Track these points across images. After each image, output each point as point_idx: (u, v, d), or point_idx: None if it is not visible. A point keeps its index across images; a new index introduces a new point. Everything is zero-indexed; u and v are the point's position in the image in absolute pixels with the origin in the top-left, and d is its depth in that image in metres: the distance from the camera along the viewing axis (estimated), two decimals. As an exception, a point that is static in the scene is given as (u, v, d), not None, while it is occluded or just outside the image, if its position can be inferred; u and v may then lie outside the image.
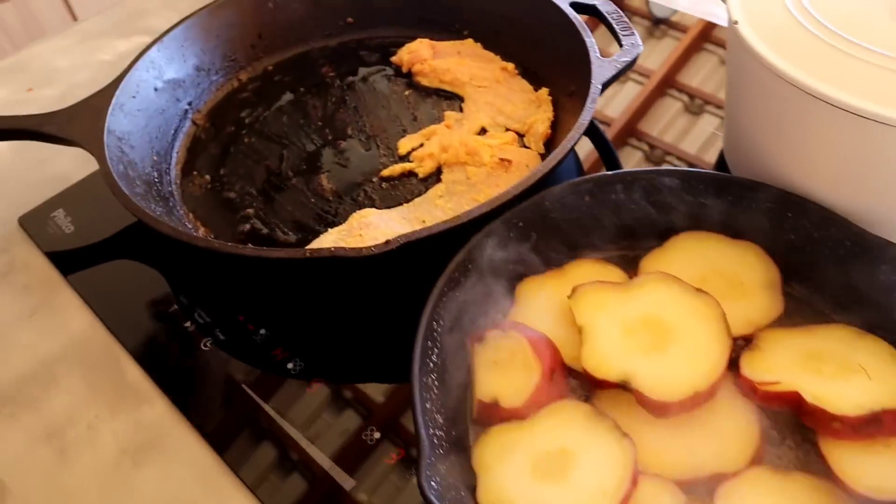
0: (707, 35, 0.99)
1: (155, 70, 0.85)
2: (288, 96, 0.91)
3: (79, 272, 0.76)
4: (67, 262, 0.77)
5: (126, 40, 1.06)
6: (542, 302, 0.64)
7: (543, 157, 0.79)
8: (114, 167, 0.71)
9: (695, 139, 0.85)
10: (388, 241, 0.60)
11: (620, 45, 0.78)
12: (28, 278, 0.77)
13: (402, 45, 0.95)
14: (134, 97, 0.81)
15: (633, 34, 0.79)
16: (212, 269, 0.73)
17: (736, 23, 0.64)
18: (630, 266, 0.67)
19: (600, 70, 0.74)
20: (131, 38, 1.06)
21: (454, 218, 0.62)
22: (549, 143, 0.80)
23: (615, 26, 0.80)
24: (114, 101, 0.78)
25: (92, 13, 1.13)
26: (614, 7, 0.82)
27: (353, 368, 0.66)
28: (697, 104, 0.90)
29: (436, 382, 0.57)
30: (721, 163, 0.80)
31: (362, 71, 0.93)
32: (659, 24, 1.04)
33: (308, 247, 0.72)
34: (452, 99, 0.88)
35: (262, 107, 0.90)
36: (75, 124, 0.76)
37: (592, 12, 0.83)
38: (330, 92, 0.91)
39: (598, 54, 0.76)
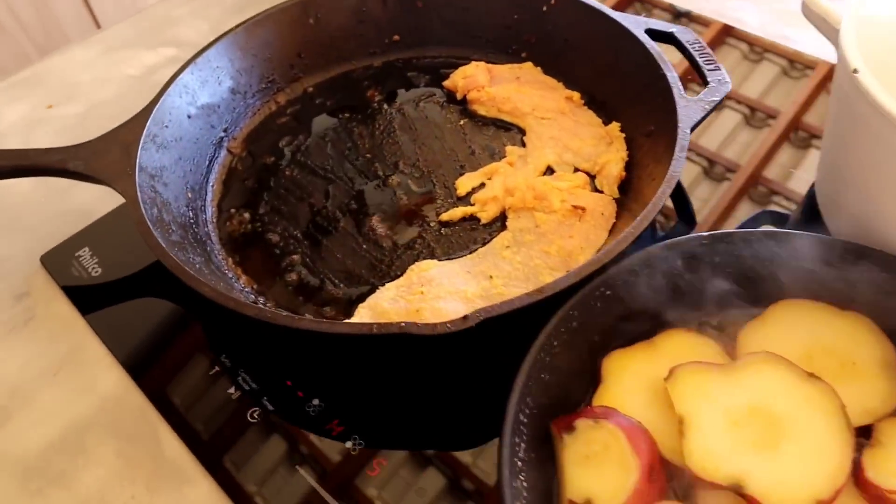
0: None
1: (188, 95, 0.77)
2: (331, 122, 0.84)
3: (107, 323, 0.69)
4: (93, 304, 0.71)
5: (152, 52, 0.99)
6: (631, 380, 0.58)
7: (618, 201, 0.72)
8: (147, 212, 0.64)
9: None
10: (465, 317, 0.54)
11: (705, 82, 0.71)
12: (52, 327, 0.70)
13: (453, 66, 0.87)
14: (166, 126, 0.74)
15: (718, 68, 0.72)
16: (254, 329, 0.66)
17: (856, 72, 0.57)
18: (725, 336, 0.61)
19: (687, 111, 0.67)
20: (158, 50, 0.99)
21: (537, 291, 0.55)
22: (624, 186, 0.73)
23: (697, 59, 0.73)
24: (145, 132, 0.71)
25: (115, 18, 1.05)
26: (695, 36, 0.75)
27: (416, 444, 0.60)
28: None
29: (524, 484, 0.50)
30: (810, 201, 0.74)
31: (411, 94, 0.86)
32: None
33: (364, 305, 0.65)
34: (511, 130, 0.81)
35: (303, 134, 0.83)
36: (103, 160, 0.69)
37: (670, 40, 0.76)
38: (377, 118, 0.83)
39: (683, 92, 0.69)
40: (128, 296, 0.72)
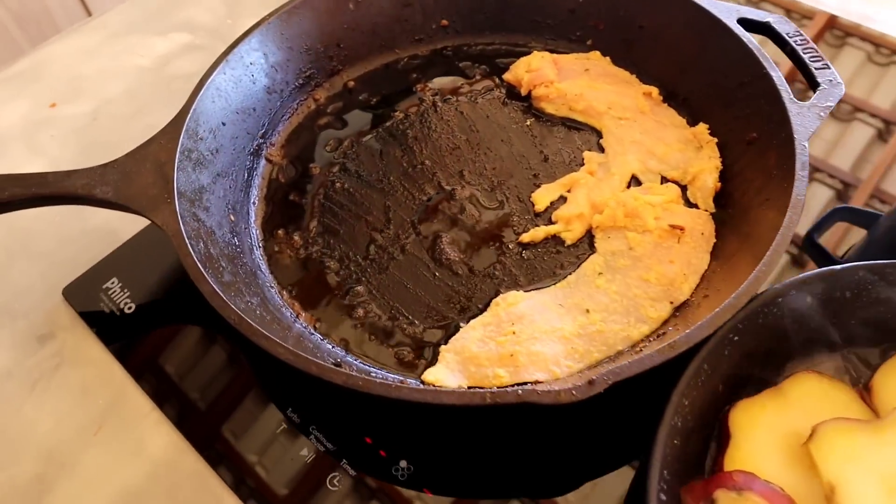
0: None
1: (221, 99, 0.68)
2: (380, 122, 0.75)
3: (150, 367, 0.61)
4: (130, 346, 0.62)
5: (163, 38, 0.88)
6: (763, 436, 0.52)
7: (715, 216, 0.65)
8: (194, 249, 0.56)
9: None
10: (591, 382, 0.47)
11: (814, 84, 0.63)
12: (85, 375, 0.62)
13: (509, 55, 0.79)
14: (201, 139, 0.65)
15: (828, 66, 0.64)
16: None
17: None
18: (856, 377, 0.55)
19: (801, 120, 0.60)
20: (169, 36, 0.88)
21: (670, 348, 0.48)
22: (720, 198, 0.66)
23: (802, 55, 0.65)
24: (179, 147, 0.62)
25: (106, 1, 0.93)
26: (795, 28, 0.67)
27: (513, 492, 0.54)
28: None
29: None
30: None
31: (467, 89, 0.77)
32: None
33: (447, 348, 0.58)
34: (583, 130, 0.73)
35: (350, 136, 0.74)
36: (136, 185, 0.60)
37: (766, 32, 0.68)
38: (431, 117, 0.75)
39: (793, 97, 0.62)
40: (164, 322, 0.64)
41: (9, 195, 0.59)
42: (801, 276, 0.54)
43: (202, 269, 0.54)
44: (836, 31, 0.85)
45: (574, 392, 0.47)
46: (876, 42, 0.84)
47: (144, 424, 0.59)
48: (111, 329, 0.64)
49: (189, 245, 0.56)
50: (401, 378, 0.56)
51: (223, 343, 0.63)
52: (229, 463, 0.56)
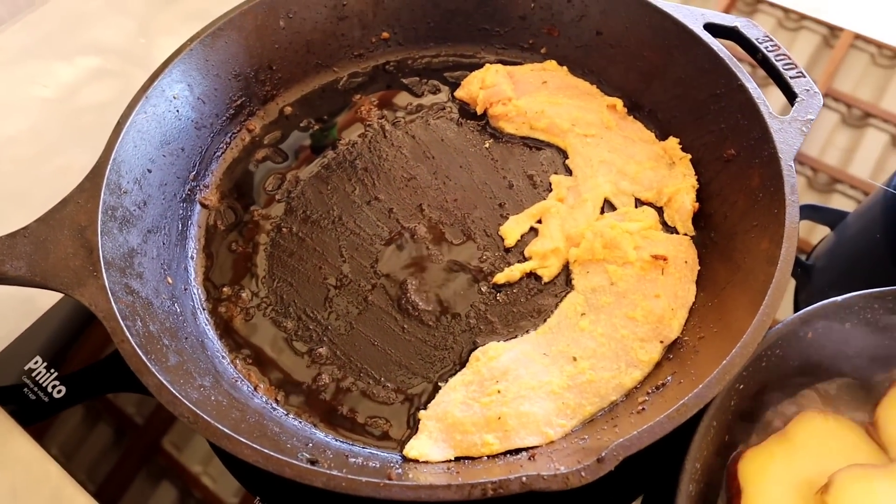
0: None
1: (144, 142, 0.60)
2: (323, 152, 0.68)
3: (92, 461, 0.54)
4: (66, 441, 0.55)
5: (67, 63, 0.78)
6: (775, 486, 0.49)
7: (695, 240, 0.61)
8: (131, 331, 0.49)
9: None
10: (601, 460, 0.43)
11: (791, 95, 0.59)
12: (14, 478, 0.54)
13: (458, 67, 0.73)
14: (125, 192, 0.57)
15: (802, 74, 0.60)
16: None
17: None
18: (858, 412, 0.52)
19: (784, 136, 0.56)
20: (74, 60, 0.78)
21: (679, 412, 0.44)
22: (699, 219, 0.62)
23: (775, 62, 0.61)
24: (101, 206, 0.54)
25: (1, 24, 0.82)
26: (763, 31, 0.63)
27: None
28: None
29: None
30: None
31: (417, 108, 0.71)
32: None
33: (427, 413, 0.52)
34: (546, 149, 0.68)
35: (292, 171, 0.67)
36: (53, 256, 0.52)
37: (733, 37, 0.64)
38: (379, 143, 0.68)
39: (772, 111, 0.58)
40: (99, 390, 0.57)
41: None
42: (802, 312, 0.51)
43: (143, 357, 0.47)
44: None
45: (584, 474, 0.42)
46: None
47: (88, 530, 0.52)
48: (40, 418, 0.56)
49: (125, 328, 0.48)
50: (381, 458, 0.51)
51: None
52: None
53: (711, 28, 0.63)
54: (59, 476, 0.54)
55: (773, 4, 0.85)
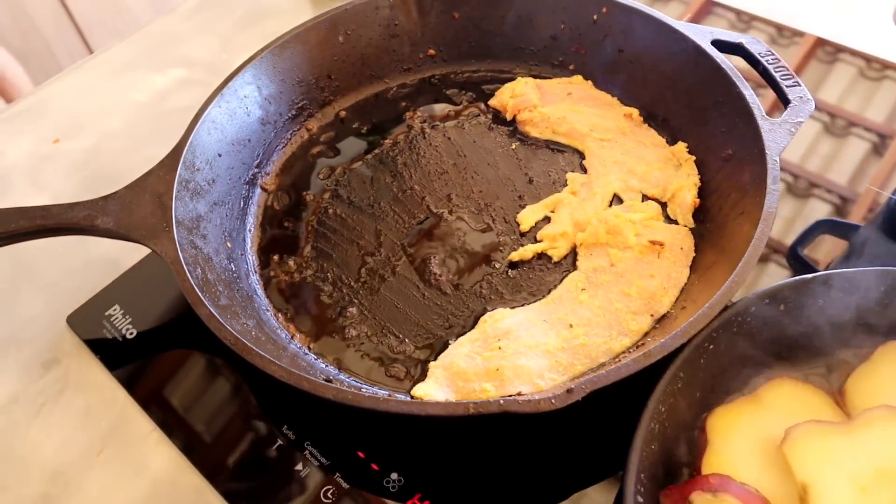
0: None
1: (217, 131, 0.71)
2: (370, 149, 0.77)
3: (151, 389, 0.64)
4: (133, 370, 0.65)
5: (160, 74, 0.91)
6: (740, 441, 0.54)
7: (694, 231, 0.67)
8: (192, 274, 0.58)
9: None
10: (570, 391, 0.49)
11: (785, 101, 0.65)
12: (88, 399, 0.64)
13: (495, 81, 0.81)
14: (198, 169, 0.68)
15: (798, 83, 0.66)
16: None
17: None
18: (832, 382, 0.57)
19: (772, 136, 0.62)
20: (166, 72, 0.91)
21: (645, 356, 0.51)
22: (699, 214, 0.68)
23: (773, 73, 0.67)
24: (177, 178, 0.65)
25: (106, 38, 0.97)
26: (766, 47, 0.69)
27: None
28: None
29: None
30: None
31: (453, 115, 0.80)
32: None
33: (436, 364, 0.60)
34: (566, 152, 0.75)
35: (342, 164, 0.76)
36: (135, 215, 0.62)
37: (739, 52, 0.70)
38: (420, 143, 0.77)
39: (764, 113, 0.64)
40: (165, 347, 0.66)
41: (15, 227, 0.62)
42: (772, 286, 0.56)
43: (199, 294, 0.57)
44: (827, 48, 0.88)
45: (553, 401, 0.49)
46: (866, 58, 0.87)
47: (146, 445, 0.61)
48: (114, 354, 0.66)
49: (187, 271, 0.58)
50: (390, 393, 0.58)
51: (227, 374, 0.65)
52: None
53: (718, 44, 0.70)
54: (125, 401, 0.63)
55: (767, 21, 0.90)
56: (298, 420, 0.60)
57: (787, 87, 0.66)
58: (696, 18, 0.93)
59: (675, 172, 0.70)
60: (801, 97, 0.65)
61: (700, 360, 0.54)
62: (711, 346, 0.54)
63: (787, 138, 0.62)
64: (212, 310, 0.55)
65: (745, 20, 0.93)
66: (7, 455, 0.61)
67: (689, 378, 0.54)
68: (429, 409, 0.50)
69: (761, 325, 0.56)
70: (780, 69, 0.68)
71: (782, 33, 0.91)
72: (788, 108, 0.64)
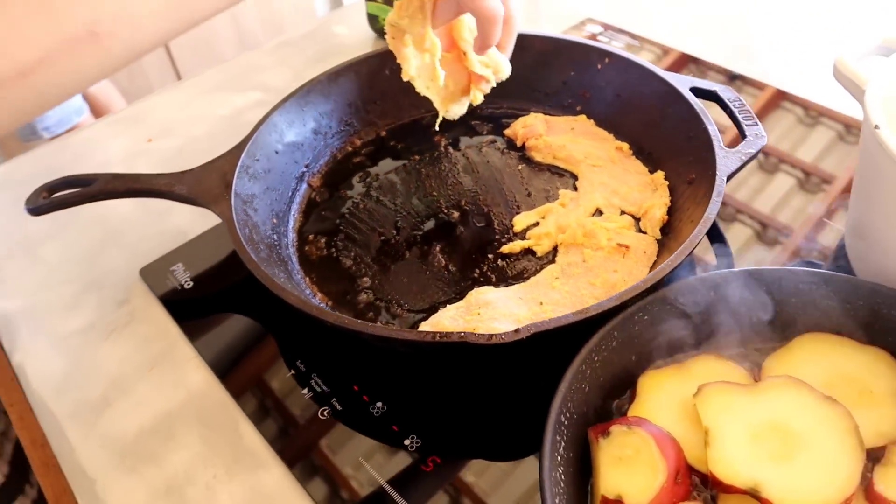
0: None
1: (277, 133, 0.87)
2: (401, 163, 0.93)
3: (197, 329, 0.78)
4: (185, 313, 0.80)
5: (241, 95, 1.10)
6: (663, 397, 0.64)
7: (660, 242, 0.79)
8: (241, 231, 0.74)
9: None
10: (517, 330, 0.61)
11: (743, 136, 0.78)
12: (148, 330, 0.79)
13: (513, 116, 0.96)
14: (258, 160, 0.84)
15: (756, 124, 0.79)
16: (328, 338, 0.74)
17: (878, 128, 0.64)
18: (753, 364, 0.66)
19: (725, 161, 0.74)
20: (246, 94, 1.10)
21: (583, 311, 0.62)
22: (665, 229, 0.80)
23: (738, 115, 0.80)
24: (239, 163, 0.81)
25: (197, 70, 1.18)
26: (735, 94, 0.82)
27: (470, 449, 0.67)
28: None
29: (562, 477, 0.57)
30: (840, 256, 0.79)
31: (475, 141, 0.95)
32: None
33: (426, 323, 0.73)
34: (565, 176, 0.89)
35: (376, 172, 0.92)
36: (204, 186, 0.79)
37: (713, 98, 0.83)
38: (442, 161, 0.92)
39: (722, 144, 0.76)
40: (214, 310, 0.81)
41: (111, 187, 0.79)
42: (704, 274, 0.67)
43: (245, 245, 0.72)
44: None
45: (503, 336, 0.61)
46: (806, 106, 0.99)
47: (187, 367, 0.75)
48: (172, 298, 0.81)
49: (238, 228, 0.74)
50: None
51: (257, 326, 0.79)
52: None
53: (696, 90, 0.83)
54: (176, 333, 0.78)
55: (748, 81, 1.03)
56: (308, 356, 0.74)
57: (746, 125, 0.78)
58: (676, 68, 1.07)
59: (651, 195, 0.83)
60: (757, 134, 0.77)
61: (634, 327, 0.65)
62: (646, 317, 0.65)
63: (737, 163, 0.74)
64: (252, 255, 0.70)
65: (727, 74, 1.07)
66: (81, 364, 0.77)
67: (624, 340, 0.64)
68: (403, 335, 0.63)
69: (692, 308, 0.67)
70: (744, 112, 0.80)
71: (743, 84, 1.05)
72: (743, 142, 0.76)
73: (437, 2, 0.72)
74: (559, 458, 0.57)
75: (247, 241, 0.73)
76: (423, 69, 0.78)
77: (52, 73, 0.48)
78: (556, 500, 0.54)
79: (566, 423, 0.59)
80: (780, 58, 1.10)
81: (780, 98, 1.01)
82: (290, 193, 0.88)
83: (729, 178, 0.73)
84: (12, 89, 0.47)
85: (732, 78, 1.06)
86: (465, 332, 0.61)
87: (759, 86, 1.04)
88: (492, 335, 0.61)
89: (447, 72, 0.79)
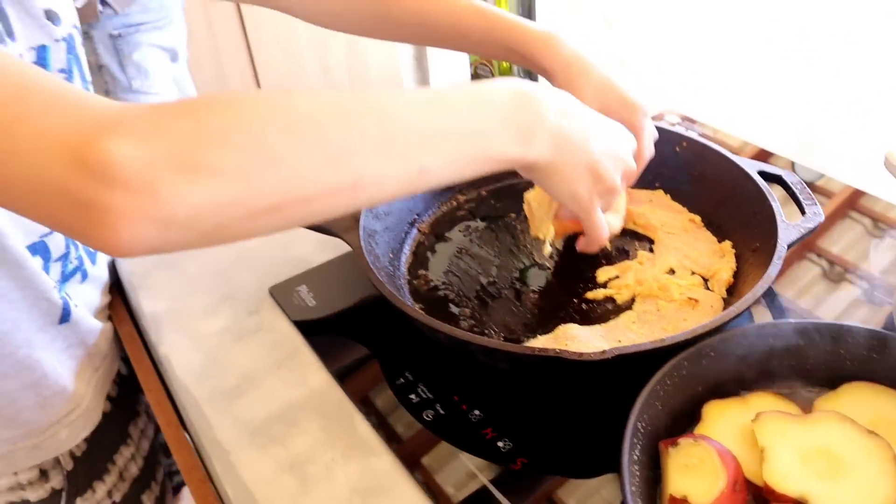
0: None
1: (397, 183, 1.02)
2: (499, 218, 1.06)
3: (318, 342, 0.91)
4: (308, 328, 0.93)
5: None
6: (725, 423, 0.74)
7: (725, 301, 0.90)
8: (367, 257, 0.87)
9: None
10: (604, 351, 0.72)
11: (803, 213, 0.90)
12: (276, 337, 0.93)
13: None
14: (380, 205, 0.98)
15: (815, 203, 0.90)
16: (434, 353, 0.87)
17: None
18: (804, 404, 0.76)
19: (786, 232, 0.86)
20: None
21: (659, 340, 0.74)
22: (731, 289, 0.91)
23: (799, 196, 0.92)
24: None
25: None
26: (798, 178, 0.95)
27: (558, 459, 0.77)
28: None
29: (637, 474, 0.67)
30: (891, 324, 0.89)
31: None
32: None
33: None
34: (643, 240, 1.01)
35: (477, 225, 1.06)
36: (338, 218, 0.93)
37: (778, 181, 0.96)
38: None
39: (784, 219, 0.88)
40: (331, 331, 0.94)
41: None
42: (764, 322, 0.78)
43: (371, 264, 0.85)
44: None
45: (592, 355, 0.72)
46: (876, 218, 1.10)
47: (309, 370, 0.88)
48: (297, 313, 0.95)
49: (365, 253, 0.88)
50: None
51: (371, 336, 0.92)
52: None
53: (763, 174, 0.96)
54: (300, 342, 0.91)
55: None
56: (415, 368, 0.86)
57: (806, 204, 0.90)
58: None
59: (719, 260, 0.94)
60: (815, 213, 0.89)
61: (702, 361, 0.76)
62: (713, 353, 0.76)
63: (797, 234, 0.86)
64: (377, 274, 0.84)
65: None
66: (217, 358, 0.90)
67: (693, 371, 0.75)
68: (509, 348, 0.75)
69: (753, 350, 0.77)
70: (804, 193, 0.92)
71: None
72: (803, 217, 0.88)
73: (561, 207, 0.89)
74: (635, 457, 0.67)
75: (371, 266, 0.87)
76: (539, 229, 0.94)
77: (313, 206, 0.58)
78: (632, 488, 0.65)
79: (641, 431, 0.70)
80: (843, 151, 1.22)
81: (848, 207, 1.13)
82: (403, 235, 1.02)
83: (789, 246, 0.85)
84: (288, 211, 0.58)
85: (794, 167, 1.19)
86: (560, 349, 0.73)
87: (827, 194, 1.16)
88: (582, 353, 0.72)
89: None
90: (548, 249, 0.94)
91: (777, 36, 1.31)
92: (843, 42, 1.23)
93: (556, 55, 0.88)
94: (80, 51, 0.90)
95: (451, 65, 2.03)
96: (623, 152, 0.79)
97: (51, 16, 0.84)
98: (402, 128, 0.61)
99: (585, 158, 0.73)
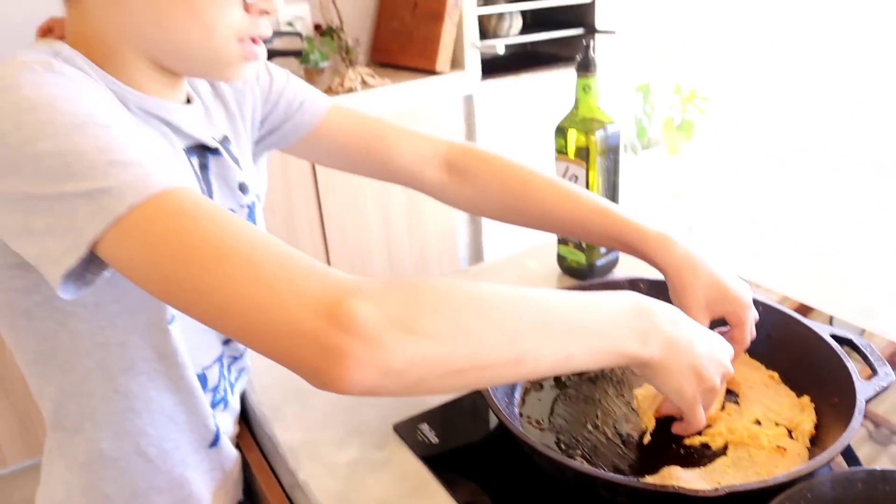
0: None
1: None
2: (597, 378, 1.20)
3: (446, 476, 1.02)
4: (433, 463, 1.04)
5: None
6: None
7: (809, 451, 1.01)
8: (499, 404, 1.00)
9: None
10: (716, 489, 0.83)
11: (874, 372, 1.02)
12: (404, 469, 1.04)
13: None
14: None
15: (885, 364, 1.03)
16: (552, 488, 0.97)
17: None
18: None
19: (863, 389, 0.98)
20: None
21: (763, 480, 0.85)
22: (813, 440, 1.02)
23: (869, 357, 1.05)
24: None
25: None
26: (867, 342, 1.07)
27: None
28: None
29: None
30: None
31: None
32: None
33: (630, 485, 0.95)
34: (729, 394, 1.13)
35: (579, 376, 1.19)
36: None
37: (849, 344, 1.09)
38: (631, 372, 1.19)
39: (859, 377, 1.01)
40: (452, 468, 1.05)
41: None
42: (855, 468, 0.88)
43: (500, 408, 0.98)
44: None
45: (707, 492, 0.83)
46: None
47: (436, 498, 0.99)
48: (421, 448, 1.06)
49: (491, 395, 1.00)
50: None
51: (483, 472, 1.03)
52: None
53: (835, 337, 1.09)
54: (427, 475, 1.02)
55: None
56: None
57: (877, 365, 1.03)
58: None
59: (799, 413, 1.06)
60: (887, 372, 1.01)
61: (800, 502, 0.86)
62: (809, 495, 0.87)
63: (872, 391, 0.98)
64: (505, 415, 0.96)
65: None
66: (353, 486, 1.01)
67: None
68: (635, 484, 0.86)
69: (842, 494, 0.88)
70: (875, 355, 1.05)
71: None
72: (876, 376, 1.01)
73: (665, 401, 1.04)
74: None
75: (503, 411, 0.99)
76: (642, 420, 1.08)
77: (486, 373, 0.74)
78: None
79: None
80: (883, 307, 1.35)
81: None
82: (510, 389, 1.14)
83: (867, 401, 0.97)
84: (470, 374, 0.73)
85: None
86: (678, 486, 0.84)
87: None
88: (697, 490, 0.83)
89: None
90: (647, 438, 1.05)
91: (816, 202, 1.48)
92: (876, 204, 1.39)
93: (669, 255, 1.05)
94: (260, 215, 1.07)
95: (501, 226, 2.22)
96: (722, 357, 0.93)
97: (242, 187, 1.02)
98: (557, 318, 0.78)
99: (690, 360, 0.88)
